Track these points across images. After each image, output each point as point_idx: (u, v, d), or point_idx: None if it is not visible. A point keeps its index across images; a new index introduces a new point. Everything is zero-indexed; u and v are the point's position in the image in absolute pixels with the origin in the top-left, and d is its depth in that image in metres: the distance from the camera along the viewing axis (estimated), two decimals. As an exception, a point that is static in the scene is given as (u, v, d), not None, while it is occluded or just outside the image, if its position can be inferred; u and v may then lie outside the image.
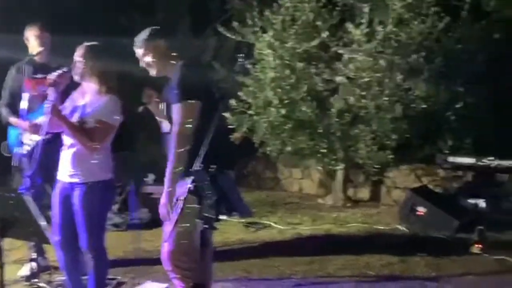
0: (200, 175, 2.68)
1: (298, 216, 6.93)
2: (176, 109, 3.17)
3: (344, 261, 5.09)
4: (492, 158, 5.36)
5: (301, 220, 6.72)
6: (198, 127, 3.08)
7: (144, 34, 3.42)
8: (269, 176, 9.20)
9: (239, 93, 7.14)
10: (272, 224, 6.51)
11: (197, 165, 2.70)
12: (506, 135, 6.24)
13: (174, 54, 3.42)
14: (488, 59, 6.69)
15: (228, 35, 7.31)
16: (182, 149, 3.05)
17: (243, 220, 6.50)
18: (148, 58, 3.40)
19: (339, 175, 7.70)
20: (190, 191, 2.65)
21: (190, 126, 3.09)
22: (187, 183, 2.73)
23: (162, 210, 3.11)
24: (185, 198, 2.66)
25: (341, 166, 7.43)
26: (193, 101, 3.12)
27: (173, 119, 3.20)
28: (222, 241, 5.62)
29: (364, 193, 8.05)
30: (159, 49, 3.39)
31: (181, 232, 2.90)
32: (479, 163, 5.44)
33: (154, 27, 3.47)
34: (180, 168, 2.99)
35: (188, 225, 2.83)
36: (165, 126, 3.33)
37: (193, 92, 3.14)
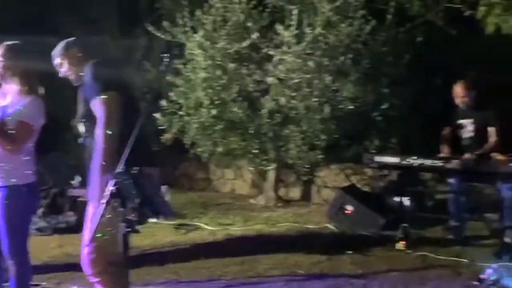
0: (122, 177, 2.62)
1: (229, 217, 6.94)
2: (97, 104, 3.11)
3: (274, 260, 5.12)
4: (415, 157, 5.52)
5: (233, 221, 6.73)
6: (121, 127, 3.02)
7: (58, 47, 3.43)
8: (201, 177, 9.17)
9: (170, 94, 7.07)
10: (203, 225, 6.49)
11: (120, 167, 2.64)
12: (429, 135, 6.46)
13: (89, 56, 3.36)
14: (412, 61, 6.93)
15: (158, 34, 7.23)
16: (109, 146, 3.00)
17: (173, 222, 6.46)
18: (64, 68, 3.41)
19: (271, 175, 7.77)
20: (112, 194, 2.59)
21: (114, 120, 3.03)
22: (110, 185, 2.67)
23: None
24: (107, 201, 2.60)
25: (272, 166, 7.50)
26: (112, 92, 3.08)
27: (96, 117, 3.12)
28: (152, 244, 5.55)
29: (295, 192, 8.16)
30: (73, 58, 3.39)
31: (102, 236, 2.84)
32: (403, 162, 5.59)
33: (68, 39, 3.45)
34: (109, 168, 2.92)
35: (109, 228, 2.77)
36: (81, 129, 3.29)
37: (111, 86, 3.10)
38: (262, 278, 4.68)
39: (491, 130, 5.59)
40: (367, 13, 6.62)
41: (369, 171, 7.37)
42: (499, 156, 5.21)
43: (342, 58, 6.35)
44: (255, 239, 6.00)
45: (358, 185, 7.44)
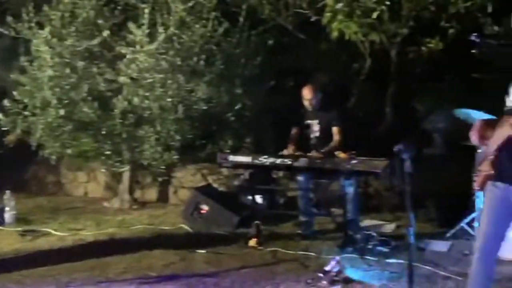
0: None
1: (81, 221, 6.70)
2: None
3: (126, 264, 5.02)
4: (266, 156, 5.69)
5: (84, 225, 6.49)
6: None
7: None
8: (52, 181, 8.74)
9: (14, 93, 6.66)
10: (52, 231, 6.18)
11: None
12: (281, 134, 6.68)
13: None
14: (264, 63, 7.14)
15: (1, 30, 6.78)
16: None
17: (19, 229, 6.10)
18: None
19: (125, 177, 7.60)
20: None
21: None
22: None
23: None
24: None
25: (126, 167, 7.34)
26: None
27: None
28: (-7, 252, 5.18)
29: (151, 194, 8.06)
30: None
31: None
32: (255, 161, 5.74)
33: None
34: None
35: None
36: None
37: None
38: (112, 283, 4.56)
39: (335, 129, 5.91)
40: (220, 15, 6.71)
41: (225, 171, 7.47)
42: (341, 154, 5.51)
43: (195, 58, 6.37)
44: (107, 243, 5.82)
45: (215, 185, 7.53)
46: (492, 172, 3.10)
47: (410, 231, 2.78)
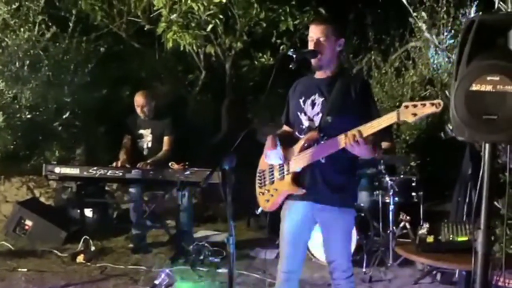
0: None
1: None
2: None
3: None
4: (95, 168, 5.46)
5: None
6: None
7: None
8: None
9: None
10: None
11: None
12: (115, 145, 6.46)
13: None
14: (98, 70, 6.89)
15: None
16: None
17: None
18: None
19: None
20: None
21: None
22: None
23: None
24: None
25: None
26: None
27: None
28: None
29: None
30: None
31: None
32: (84, 173, 5.49)
33: None
34: None
35: None
36: None
37: None
38: None
39: (166, 139, 5.87)
40: (49, 19, 6.35)
41: (54, 183, 7.04)
42: (175, 165, 5.47)
43: (18, 63, 5.93)
44: None
45: (42, 198, 7.08)
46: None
47: (230, 240, 2.79)
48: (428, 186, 6.24)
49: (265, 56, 7.36)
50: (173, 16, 6.48)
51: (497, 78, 1.92)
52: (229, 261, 4.59)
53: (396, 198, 5.42)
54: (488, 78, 1.94)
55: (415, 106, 2.64)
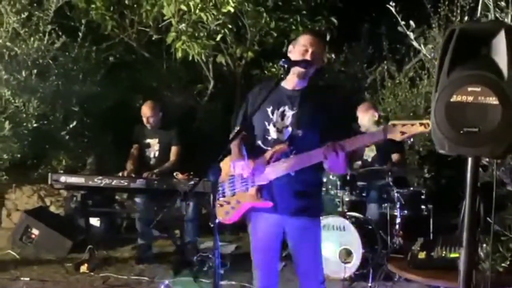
0: None
1: None
2: None
3: None
4: (101, 177, 5.45)
5: None
6: None
7: None
8: None
9: None
10: None
11: None
12: (124, 154, 6.45)
13: None
14: (107, 79, 6.91)
15: None
16: None
17: None
18: None
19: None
20: None
21: None
22: None
23: None
24: None
25: None
26: None
27: None
28: None
29: (-18, 217, 7.41)
30: None
31: None
32: (90, 182, 5.47)
33: None
34: None
35: None
36: None
37: None
38: None
39: (173, 149, 5.85)
40: (59, 29, 6.38)
41: (64, 192, 7.07)
42: (179, 175, 5.43)
43: (25, 72, 5.94)
44: None
45: (52, 207, 7.13)
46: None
47: (216, 254, 2.73)
48: (441, 198, 6.11)
49: (275, 65, 7.31)
50: (182, 26, 6.47)
51: (478, 89, 1.84)
52: (235, 273, 4.56)
53: (405, 211, 5.32)
54: (469, 89, 1.85)
55: (403, 125, 2.65)
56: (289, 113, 3.02)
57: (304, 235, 3.07)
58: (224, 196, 3.18)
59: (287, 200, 3.00)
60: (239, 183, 3.10)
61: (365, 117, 5.65)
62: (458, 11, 6.46)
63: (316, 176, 3.09)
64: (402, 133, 2.62)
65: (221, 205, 3.16)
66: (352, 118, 5.65)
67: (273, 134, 3.05)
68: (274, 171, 2.97)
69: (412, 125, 2.62)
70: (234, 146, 3.12)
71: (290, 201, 3.00)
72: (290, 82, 3.06)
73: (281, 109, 3.05)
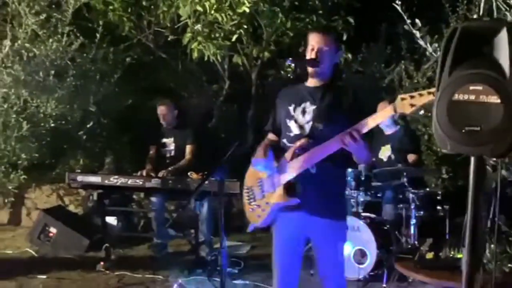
0: None
1: None
2: None
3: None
4: (117, 177, 5.50)
5: None
6: None
7: None
8: None
9: None
10: None
11: None
12: (141, 153, 6.50)
13: None
14: (124, 80, 6.98)
15: None
16: None
17: None
18: None
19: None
20: None
21: None
22: None
23: None
24: None
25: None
26: None
27: None
28: None
29: (2, 216, 7.53)
30: None
31: None
32: (106, 181, 5.52)
33: None
34: None
35: None
36: None
37: None
38: None
39: (188, 148, 5.89)
40: (77, 30, 6.46)
41: (82, 192, 7.15)
42: (194, 175, 5.45)
43: (42, 73, 6.03)
44: None
45: (71, 206, 7.21)
46: None
47: (223, 253, 2.74)
48: (459, 199, 6.02)
49: (291, 65, 7.27)
50: (198, 27, 6.50)
51: (480, 88, 1.82)
52: (250, 273, 4.57)
53: (421, 212, 5.27)
54: (471, 87, 1.83)
55: (412, 97, 2.60)
56: (310, 108, 3.02)
57: (326, 238, 3.01)
58: (255, 201, 3.15)
59: (310, 199, 2.95)
60: (267, 185, 3.07)
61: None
62: (477, 10, 6.37)
63: (338, 173, 3.05)
64: (412, 105, 2.58)
65: (252, 209, 3.14)
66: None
67: (294, 130, 3.04)
68: (296, 166, 2.93)
69: (421, 95, 2.56)
70: (260, 147, 3.12)
71: (313, 200, 2.95)
72: (310, 80, 3.08)
73: (303, 105, 3.05)
